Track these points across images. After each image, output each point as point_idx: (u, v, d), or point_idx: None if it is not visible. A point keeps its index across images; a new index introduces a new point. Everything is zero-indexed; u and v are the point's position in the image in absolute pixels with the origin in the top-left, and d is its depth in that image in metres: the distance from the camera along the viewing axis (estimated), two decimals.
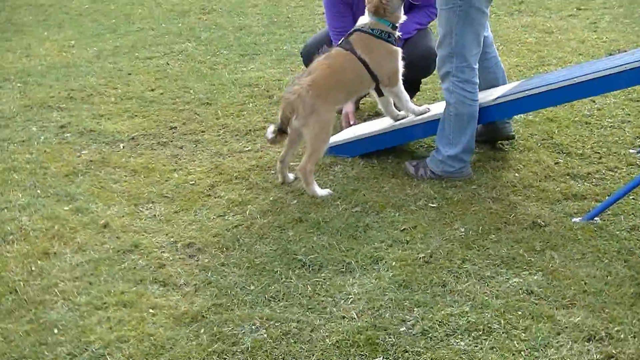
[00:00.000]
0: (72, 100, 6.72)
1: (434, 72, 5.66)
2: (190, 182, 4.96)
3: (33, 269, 4.06)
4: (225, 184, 4.91)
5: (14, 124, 6.17)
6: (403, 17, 4.92)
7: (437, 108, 4.98)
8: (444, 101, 4.80)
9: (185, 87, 6.84)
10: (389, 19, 4.82)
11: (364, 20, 4.86)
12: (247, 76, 7.02)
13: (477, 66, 4.65)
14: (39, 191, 4.96)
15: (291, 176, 4.84)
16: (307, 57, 5.82)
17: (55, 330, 3.53)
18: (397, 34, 4.90)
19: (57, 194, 4.91)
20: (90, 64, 7.80)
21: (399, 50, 4.91)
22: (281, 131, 4.72)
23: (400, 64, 4.91)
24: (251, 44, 8.13)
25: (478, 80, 4.65)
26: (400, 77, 4.93)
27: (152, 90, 6.86)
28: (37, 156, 5.52)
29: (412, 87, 5.64)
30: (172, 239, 4.28)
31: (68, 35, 9.14)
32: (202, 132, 5.81)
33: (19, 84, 7.23)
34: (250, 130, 5.74)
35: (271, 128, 4.77)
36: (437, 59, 4.76)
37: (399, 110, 5.03)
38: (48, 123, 6.19)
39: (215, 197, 4.75)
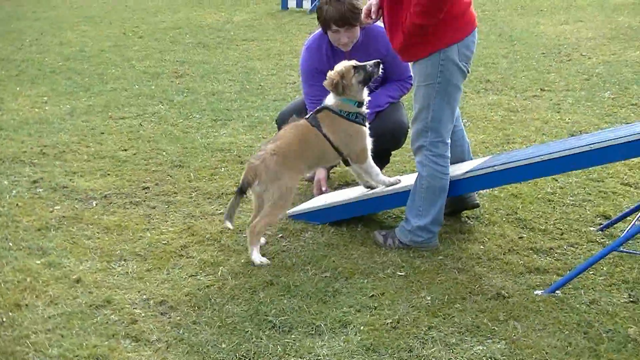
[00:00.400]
0: (45, 156, 6.79)
1: (404, 144, 5.87)
2: (163, 242, 5.04)
3: (4, 320, 4.10)
4: (197, 244, 5.00)
5: None
6: (366, 97, 5.01)
7: (408, 179, 5.15)
8: (414, 173, 4.96)
9: (158, 149, 6.95)
10: (353, 97, 4.94)
11: (330, 99, 4.97)
12: (219, 141, 7.16)
13: (449, 141, 4.83)
14: (10, 244, 5.01)
15: (262, 240, 4.92)
16: (282, 124, 5.98)
17: None
18: (365, 110, 5.01)
19: (29, 248, 4.97)
20: (63, 121, 7.88)
21: (366, 129, 5.00)
22: (241, 192, 4.78)
23: (368, 142, 5.01)
24: (223, 109, 8.28)
25: (450, 155, 4.83)
26: (369, 154, 5.04)
27: (125, 150, 6.96)
28: (8, 209, 5.58)
29: (382, 159, 5.80)
30: (144, 296, 4.35)
31: (41, 91, 9.23)
32: (174, 193, 5.91)
33: None
34: (222, 193, 5.86)
35: (228, 224, 4.80)
36: (411, 132, 4.91)
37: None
38: (20, 177, 6.25)
39: (187, 257, 4.83)
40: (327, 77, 4.95)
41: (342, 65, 4.94)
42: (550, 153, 4.51)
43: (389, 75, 5.72)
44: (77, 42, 12.40)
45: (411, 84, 5.77)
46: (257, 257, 4.70)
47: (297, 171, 4.88)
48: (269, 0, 16.92)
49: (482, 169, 4.79)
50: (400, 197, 5.02)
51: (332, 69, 5.54)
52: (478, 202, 5.25)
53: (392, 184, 5.11)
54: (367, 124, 5.06)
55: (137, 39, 12.64)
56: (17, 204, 5.68)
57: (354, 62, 4.95)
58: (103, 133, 7.49)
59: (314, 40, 5.78)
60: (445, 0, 4.46)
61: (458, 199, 5.17)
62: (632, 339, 3.80)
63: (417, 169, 4.86)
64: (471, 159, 5.26)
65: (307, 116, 5.05)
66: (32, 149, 6.98)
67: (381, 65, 4.99)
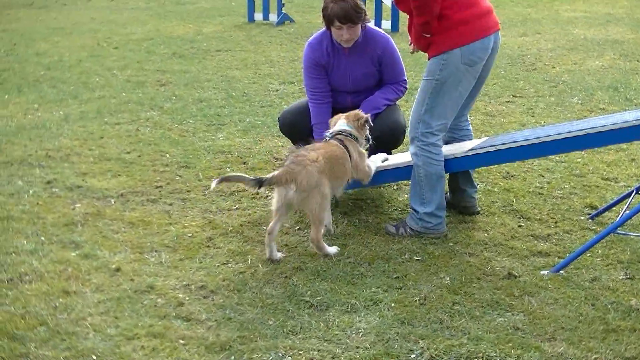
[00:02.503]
0: (52, 159, 7.05)
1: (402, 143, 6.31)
2: (188, 235, 5.38)
3: (57, 305, 4.39)
4: (221, 236, 5.35)
5: None
6: (363, 145, 5.48)
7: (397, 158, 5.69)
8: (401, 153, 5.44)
9: (160, 151, 7.26)
10: (358, 134, 5.38)
11: (345, 127, 5.35)
12: (218, 144, 7.50)
13: (440, 135, 5.28)
14: (42, 238, 5.29)
15: (279, 255, 5.01)
16: (284, 122, 6.35)
17: (94, 357, 3.88)
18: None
19: (62, 241, 5.25)
20: (60, 127, 8.13)
21: (366, 153, 5.49)
22: (259, 185, 4.89)
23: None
24: (215, 115, 8.62)
25: (442, 144, 5.31)
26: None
27: (129, 152, 7.25)
28: (30, 207, 5.84)
29: None
30: (184, 282, 4.68)
31: (30, 99, 9.44)
32: (187, 191, 6.24)
33: None
34: (233, 191, 6.20)
35: (213, 183, 4.94)
36: (409, 122, 5.41)
37: None
38: (33, 179, 6.50)
39: (215, 248, 5.18)
40: (354, 114, 5.45)
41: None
42: (547, 135, 5.00)
43: (385, 78, 6.13)
44: (53, 53, 12.59)
45: (405, 87, 6.22)
46: (331, 250, 5.01)
47: (330, 181, 5.04)
48: (234, 13, 17.31)
49: (483, 147, 5.25)
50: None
51: (331, 64, 5.97)
52: (479, 209, 5.73)
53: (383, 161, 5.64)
54: None
55: (112, 50, 12.89)
56: (37, 203, 5.94)
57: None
58: (102, 137, 7.77)
59: (316, 37, 6.17)
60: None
61: (461, 201, 5.66)
62: (635, 309, 4.28)
63: (413, 160, 5.32)
64: None
65: (328, 137, 5.35)
66: (37, 152, 7.23)
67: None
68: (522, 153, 5.18)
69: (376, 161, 5.56)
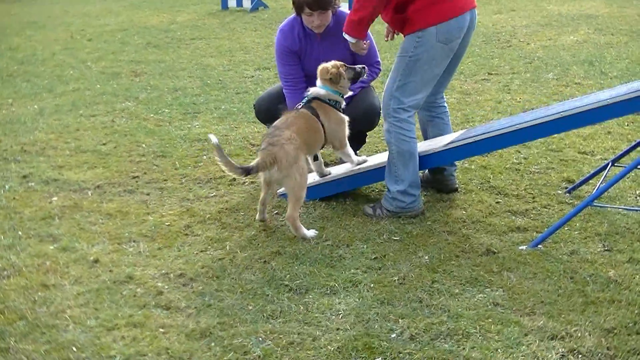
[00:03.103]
0: (27, 153, 7.00)
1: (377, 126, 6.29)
2: (166, 224, 5.35)
3: (36, 298, 4.36)
4: (199, 224, 5.33)
5: None
6: (349, 92, 5.54)
7: (377, 158, 5.62)
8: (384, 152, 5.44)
9: (136, 142, 7.22)
10: (341, 90, 5.41)
11: (320, 91, 5.36)
12: (194, 132, 7.47)
13: (412, 111, 5.27)
14: (19, 232, 5.25)
15: (266, 216, 5.34)
16: (259, 108, 6.35)
17: (74, 349, 3.85)
18: (343, 103, 5.47)
19: (39, 235, 5.21)
20: (35, 121, 8.07)
21: (346, 118, 5.45)
22: (247, 173, 5.01)
23: (347, 130, 5.46)
24: (190, 103, 8.59)
25: (414, 122, 5.30)
26: (347, 141, 5.50)
27: (105, 144, 7.21)
28: (7, 202, 5.80)
29: (358, 140, 6.22)
30: (162, 271, 4.66)
31: (4, 94, 9.37)
32: (164, 180, 6.21)
33: None
34: (210, 178, 6.19)
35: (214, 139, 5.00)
36: (382, 99, 5.38)
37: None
38: (9, 173, 6.45)
39: (193, 236, 5.16)
40: (322, 69, 5.37)
41: (335, 63, 5.40)
42: (526, 122, 4.99)
43: (358, 60, 6.08)
44: (27, 47, 12.50)
45: (379, 69, 6.21)
46: (308, 233, 5.02)
47: (304, 155, 5.18)
48: (208, 1, 17.26)
49: (463, 139, 5.24)
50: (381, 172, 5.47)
51: (303, 50, 5.94)
52: (457, 186, 5.73)
53: (359, 163, 5.61)
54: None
55: (86, 42, 12.81)
56: (13, 197, 5.90)
57: (343, 63, 5.45)
58: (78, 130, 7.72)
59: (287, 23, 6.14)
60: None
61: (440, 179, 5.65)
62: (613, 280, 4.31)
63: (386, 138, 5.33)
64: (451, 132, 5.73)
65: (301, 106, 5.33)
66: (12, 147, 7.17)
67: (366, 69, 5.58)
68: (501, 142, 5.15)
69: (356, 160, 5.61)
